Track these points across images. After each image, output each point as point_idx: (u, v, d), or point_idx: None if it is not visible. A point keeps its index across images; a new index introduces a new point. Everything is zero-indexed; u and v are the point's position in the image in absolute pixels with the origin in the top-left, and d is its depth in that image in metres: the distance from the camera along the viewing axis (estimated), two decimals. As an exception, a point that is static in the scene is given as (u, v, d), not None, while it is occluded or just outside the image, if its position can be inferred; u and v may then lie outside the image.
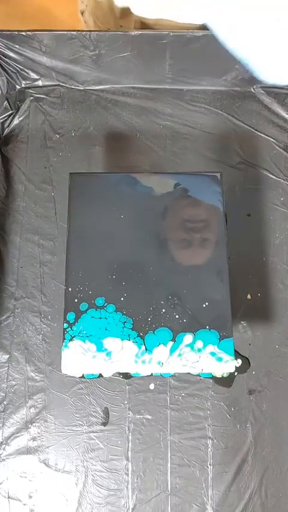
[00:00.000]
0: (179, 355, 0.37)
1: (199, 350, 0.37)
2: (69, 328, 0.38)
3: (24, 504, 0.43)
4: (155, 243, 0.40)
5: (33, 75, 0.55)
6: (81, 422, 0.45)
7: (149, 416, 0.45)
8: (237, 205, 0.51)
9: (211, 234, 0.40)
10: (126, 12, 0.55)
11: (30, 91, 0.55)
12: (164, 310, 0.38)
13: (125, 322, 0.38)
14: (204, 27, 0.50)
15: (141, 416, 0.45)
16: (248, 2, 0.39)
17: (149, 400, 0.45)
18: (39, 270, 0.49)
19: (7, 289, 0.49)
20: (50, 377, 0.46)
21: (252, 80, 0.55)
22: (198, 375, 0.46)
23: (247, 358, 0.47)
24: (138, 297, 0.38)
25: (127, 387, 0.46)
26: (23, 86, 0.55)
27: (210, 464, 0.44)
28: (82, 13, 0.61)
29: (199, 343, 0.37)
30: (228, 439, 0.45)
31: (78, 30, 0.50)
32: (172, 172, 0.50)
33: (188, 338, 0.37)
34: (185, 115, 0.55)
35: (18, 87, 0.55)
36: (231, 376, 0.46)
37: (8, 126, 0.54)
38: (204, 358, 0.37)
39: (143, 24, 0.56)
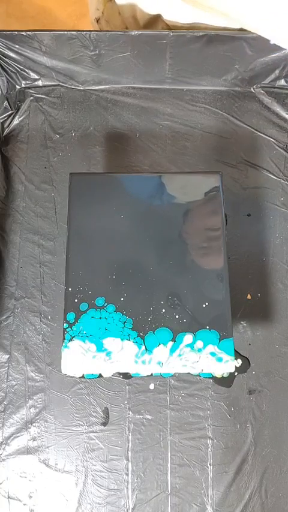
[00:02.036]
0: (179, 355, 0.37)
1: (199, 350, 0.37)
2: (69, 328, 0.38)
3: (24, 504, 0.43)
4: (155, 243, 0.40)
5: (33, 75, 0.55)
6: (81, 422, 0.45)
7: (149, 416, 0.45)
8: (237, 205, 0.51)
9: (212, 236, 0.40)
10: (152, 21, 0.54)
11: (30, 91, 0.55)
12: (164, 310, 0.38)
13: (125, 322, 0.38)
14: (242, 29, 0.49)
15: (141, 416, 0.45)
16: None
17: (149, 400, 0.45)
18: (39, 270, 0.49)
19: (7, 289, 0.49)
20: (50, 377, 0.46)
21: (252, 80, 0.55)
22: (198, 375, 0.46)
23: (247, 358, 0.47)
24: (138, 297, 0.38)
25: (127, 387, 0.46)
26: (23, 86, 0.55)
27: (210, 464, 0.44)
28: (97, 20, 0.60)
29: (199, 343, 0.37)
30: (228, 439, 0.45)
31: (78, 30, 0.50)
32: (172, 172, 0.50)
33: (188, 338, 0.37)
34: (185, 115, 0.55)
35: (18, 87, 0.55)
36: (231, 376, 0.46)
37: (8, 126, 0.54)
38: (204, 358, 0.37)
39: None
